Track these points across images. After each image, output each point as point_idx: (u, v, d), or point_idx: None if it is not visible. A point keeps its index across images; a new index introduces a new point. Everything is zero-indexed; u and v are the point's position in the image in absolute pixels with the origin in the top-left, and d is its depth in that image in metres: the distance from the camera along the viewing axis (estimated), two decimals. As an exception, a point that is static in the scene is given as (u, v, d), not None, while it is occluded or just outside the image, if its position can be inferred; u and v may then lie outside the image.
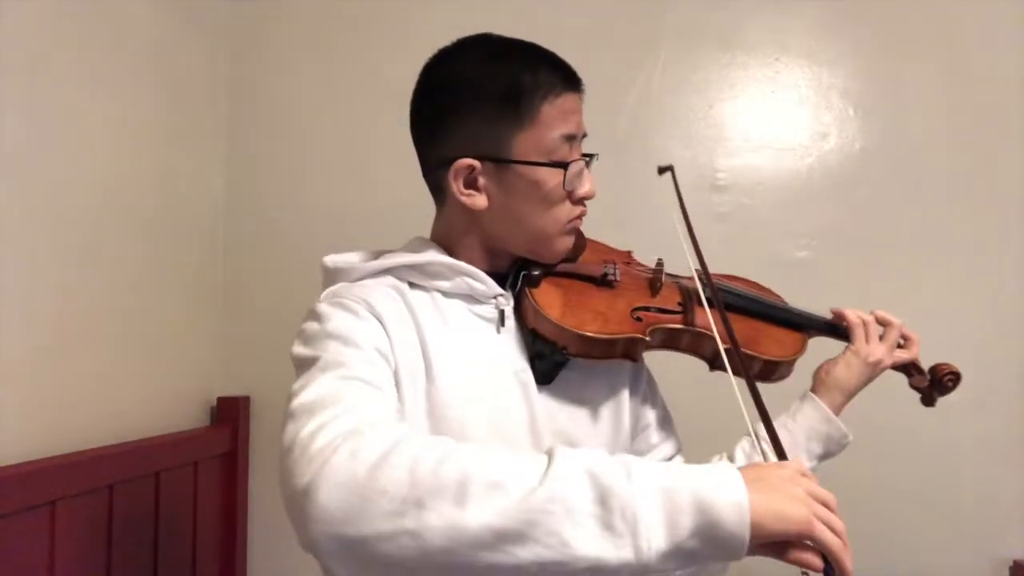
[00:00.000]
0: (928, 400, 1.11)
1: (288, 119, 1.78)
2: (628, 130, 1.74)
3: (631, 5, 1.77)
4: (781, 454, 0.79)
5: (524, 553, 0.60)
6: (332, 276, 0.96)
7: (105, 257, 1.35)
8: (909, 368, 1.10)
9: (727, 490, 0.64)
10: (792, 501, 0.65)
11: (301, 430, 0.68)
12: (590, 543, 0.61)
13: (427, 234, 1.02)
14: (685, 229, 0.98)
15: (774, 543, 0.65)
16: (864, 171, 1.74)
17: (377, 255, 0.98)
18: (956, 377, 1.08)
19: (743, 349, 0.99)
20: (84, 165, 1.30)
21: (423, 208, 1.01)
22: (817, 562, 0.65)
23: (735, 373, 0.90)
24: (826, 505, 0.68)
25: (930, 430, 1.67)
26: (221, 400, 1.69)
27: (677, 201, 0.99)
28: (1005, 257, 1.71)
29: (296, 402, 0.74)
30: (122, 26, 1.41)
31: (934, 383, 1.09)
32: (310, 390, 0.75)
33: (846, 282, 1.70)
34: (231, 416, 1.68)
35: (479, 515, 0.60)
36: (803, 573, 0.67)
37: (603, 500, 0.62)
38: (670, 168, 1.04)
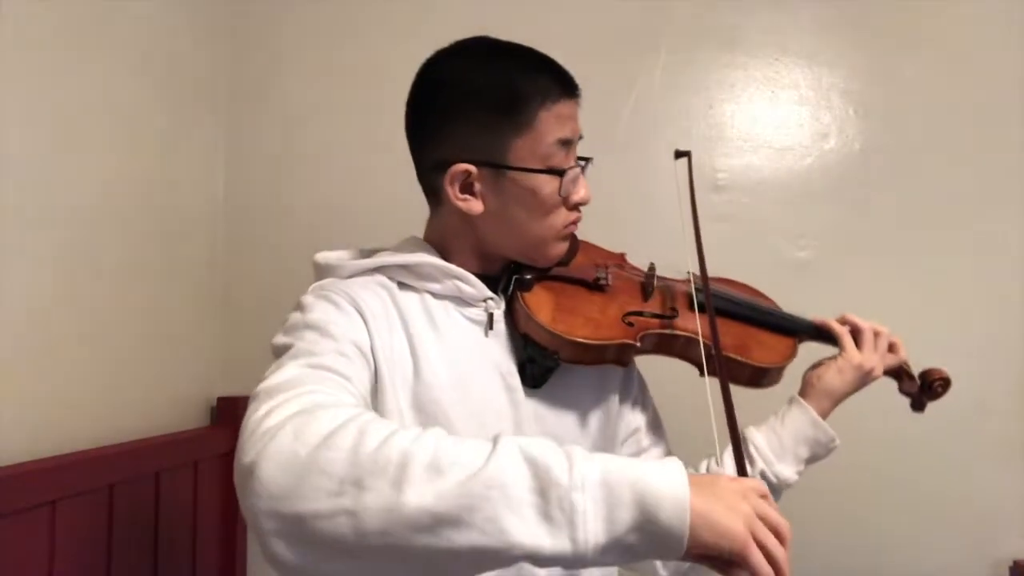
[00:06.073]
0: (918, 405, 1.10)
1: (288, 119, 1.78)
2: (628, 131, 1.74)
3: (631, 5, 1.77)
4: (741, 468, 0.78)
5: (460, 538, 0.60)
6: (323, 273, 0.96)
7: (105, 257, 1.35)
8: (899, 373, 1.08)
9: (668, 485, 0.62)
10: (732, 514, 0.63)
11: (257, 411, 0.69)
12: (527, 531, 0.60)
13: (422, 233, 1.01)
14: (691, 220, 0.96)
15: (714, 557, 0.64)
16: (864, 171, 1.74)
17: (370, 253, 0.98)
18: (946, 383, 1.06)
19: (733, 355, 0.98)
20: (83, 165, 1.30)
21: (424, 207, 1.01)
22: None
23: (716, 377, 0.88)
24: (776, 532, 0.65)
25: (931, 431, 1.67)
26: (221, 400, 1.69)
27: (688, 190, 0.97)
28: (1005, 257, 1.71)
29: (260, 386, 0.75)
30: (122, 26, 1.41)
31: (924, 388, 1.08)
32: (276, 375, 0.76)
33: (846, 282, 1.70)
34: (231, 416, 1.68)
35: (417, 497, 0.60)
36: None
37: (542, 490, 0.61)
38: (687, 154, 1.00)
